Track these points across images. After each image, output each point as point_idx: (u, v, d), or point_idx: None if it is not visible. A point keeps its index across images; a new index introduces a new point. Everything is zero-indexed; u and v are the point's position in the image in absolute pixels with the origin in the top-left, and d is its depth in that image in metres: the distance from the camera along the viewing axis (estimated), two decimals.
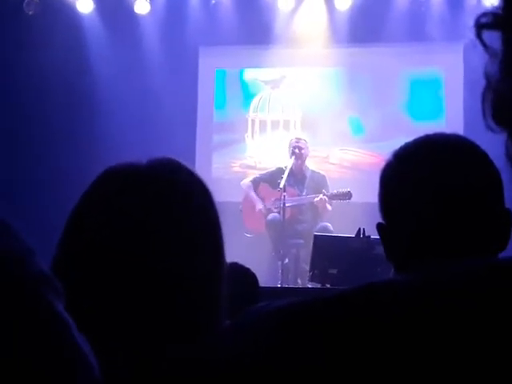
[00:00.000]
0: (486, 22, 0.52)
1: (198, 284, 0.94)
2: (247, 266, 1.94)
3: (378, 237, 1.21)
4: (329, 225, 5.62)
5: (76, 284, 0.89)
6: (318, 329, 0.54)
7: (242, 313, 0.66)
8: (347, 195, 5.70)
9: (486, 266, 0.52)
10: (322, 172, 6.06)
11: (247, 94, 7.06)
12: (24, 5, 6.71)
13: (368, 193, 5.83)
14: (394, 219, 1.12)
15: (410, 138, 1.17)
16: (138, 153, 1.05)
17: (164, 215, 0.94)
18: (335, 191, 5.75)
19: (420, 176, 1.09)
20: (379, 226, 1.15)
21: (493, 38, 0.52)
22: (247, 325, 0.61)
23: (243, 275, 1.72)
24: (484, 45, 0.52)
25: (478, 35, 0.52)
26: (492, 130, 0.52)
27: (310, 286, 4.68)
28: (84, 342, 0.68)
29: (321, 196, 5.68)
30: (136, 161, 0.99)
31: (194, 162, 6.78)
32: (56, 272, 0.70)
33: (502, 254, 1.09)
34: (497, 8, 0.52)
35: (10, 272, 0.65)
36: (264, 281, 5.40)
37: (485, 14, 0.52)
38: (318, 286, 4.44)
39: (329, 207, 5.74)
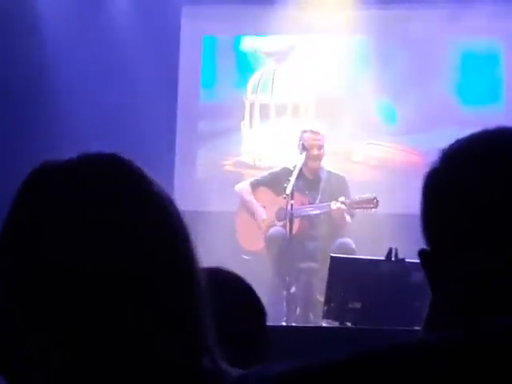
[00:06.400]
0: None
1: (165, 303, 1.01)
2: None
3: (414, 260, 1.18)
4: (349, 241, 5.65)
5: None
6: None
7: (238, 380, 0.71)
8: (372, 203, 5.71)
9: None
10: (342, 173, 6.09)
11: (244, 69, 7.08)
12: None
13: (402, 200, 5.92)
14: (443, 247, 1.05)
15: (458, 128, 1.14)
16: (102, 144, 1.12)
17: (105, 221, 1.01)
18: (357, 197, 5.77)
19: (484, 190, 1.03)
20: (422, 254, 1.08)
21: None
22: None
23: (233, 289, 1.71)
24: None
25: None
26: None
27: (324, 325, 4.64)
28: None
29: (338, 203, 5.67)
30: (70, 157, 1.07)
31: (172, 158, 6.86)
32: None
33: None
34: None
35: None
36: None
37: None
38: (336, 324, 4.42)
39: (348, 218, 5.76)
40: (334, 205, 5.68)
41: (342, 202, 5.69)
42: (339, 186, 5.91)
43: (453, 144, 1.09)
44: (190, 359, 1.00)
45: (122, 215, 1.02)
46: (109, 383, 0.97)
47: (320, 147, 5.86)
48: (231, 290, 1.66)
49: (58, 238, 0.99)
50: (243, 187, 6.20)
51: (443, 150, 1.08)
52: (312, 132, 5.92)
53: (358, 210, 5.80)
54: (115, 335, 0.97)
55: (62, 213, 1.01)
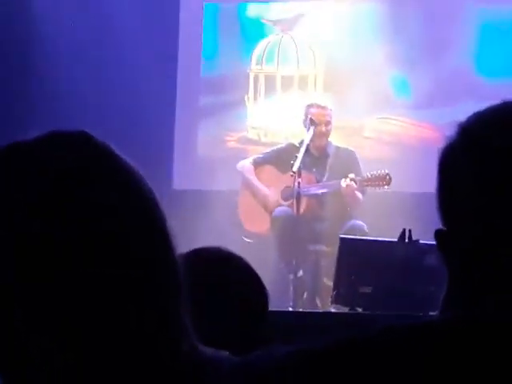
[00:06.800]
0: None
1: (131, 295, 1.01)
2: None
3: (429, 242, 1.07)
4: (361, 223, 5.68)
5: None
6: None
7: (245, 358, 0.82)
8: (384, 180, 5.68)
9: None
10: (351, 148, 6.10)
11: (248, 39, 7.07)
12: None
13: (416, 178, 5.91)
14: (460, 226, 1.08)
15: (477, 102, 1.02)
16: (95, 119, 0.95)
17: (64, 210, 0.98)
18: (368, 174, 5.74)
19: (503, 164, 1.05)
20: (438, 234, 1.10)
21: None
22: (251, 374, 0.77)
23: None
24: None
25: None
26: None
27: (333, 311, 4.71)
28: None
29: (348, 180, 5.64)
30: (22, 139, 1.04)
31: (172, 134, 6.95)
32: None
33: None
34: None
35: None
36: (270, 301, 5.43)
37: None
38: (345, 309, 4.46)
39: (359, 196, 5.72)
40: (344, 182, 5.66)
41: (352, 180, 5.66)
42: (348, 162, 5.93)
43: (470, 117, 1.10)
44: (183, 359, 1.01)
45: (104, 199, 0.99)
46: None
47: (328, 123, 5.86)
48: (231, 268, 1.76)
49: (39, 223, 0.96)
50: (245, 165, 6.21)
51: (460, 123, 1.10)
52: (319, 107, 5.92)
53: (369, 188, 5.79)
54: (118, 337, 0.99)
55: (36, 192, 0.97)
